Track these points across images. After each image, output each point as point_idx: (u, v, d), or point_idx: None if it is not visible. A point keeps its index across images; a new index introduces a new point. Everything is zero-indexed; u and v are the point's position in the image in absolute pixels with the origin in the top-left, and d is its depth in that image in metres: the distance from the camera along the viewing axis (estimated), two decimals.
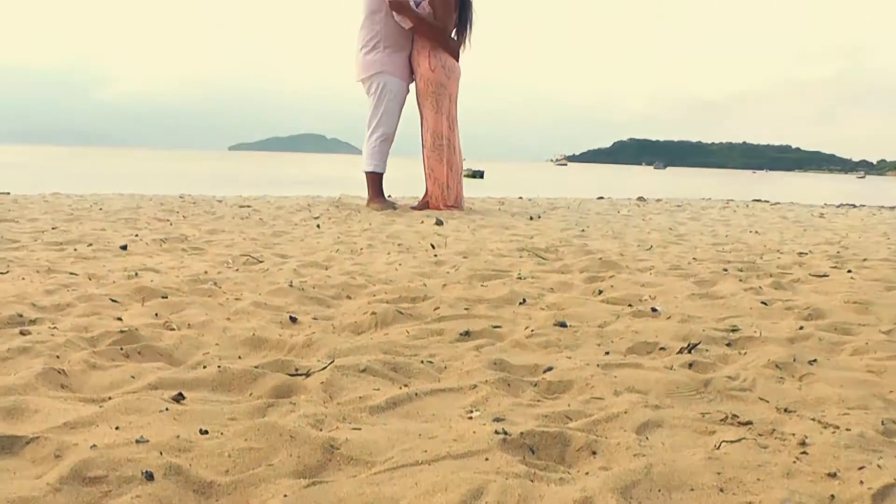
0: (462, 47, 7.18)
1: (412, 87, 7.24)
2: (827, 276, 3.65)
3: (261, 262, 3.73)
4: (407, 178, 10.32)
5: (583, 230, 5.80)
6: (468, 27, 7.14)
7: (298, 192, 15.01)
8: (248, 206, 7.42)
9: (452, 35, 7.14)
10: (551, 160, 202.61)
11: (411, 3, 6.89)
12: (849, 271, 3.80)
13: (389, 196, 8.31)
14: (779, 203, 12.80)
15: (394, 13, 6.89)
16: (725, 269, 3.69)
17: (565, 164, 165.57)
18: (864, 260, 4.32)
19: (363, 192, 7.67)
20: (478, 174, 42.74)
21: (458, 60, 7.18)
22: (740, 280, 3.39)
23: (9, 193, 9.99)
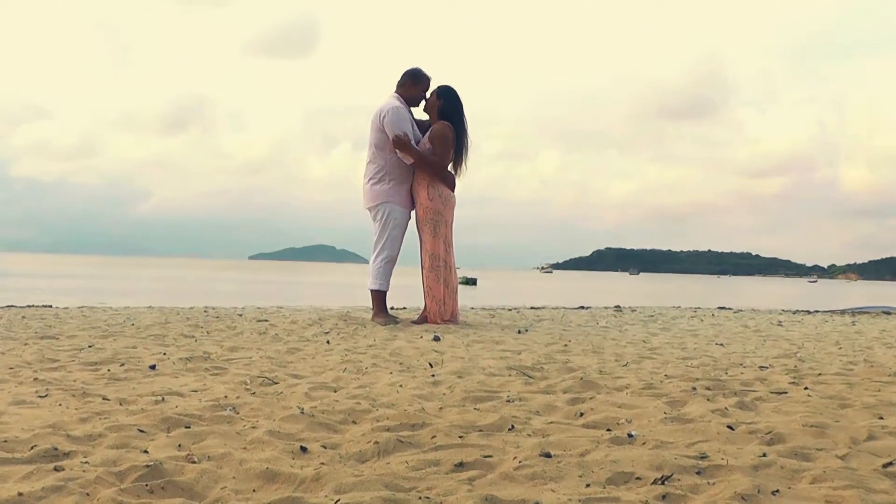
0: (458, 176, 7.29)
1: (413, 213, 7.33)
2: (786, 392, 3.63)
3: (276, 383, 3.71)
4: (407, 287, 10.35)
5: (565, 345, 5.79)
6: (464, 157, 7.26)
7: (312, 300, 15.08)
8: (266, 321, 7.41)
9: (450, 167, 7.25)
10: (538, 268, 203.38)
11: (412, 141, 7.03)
12: (805, 388, 3.78)
13: (391, 308, 8.33)
14: (741, 311, 12.80)
15: (397, 150, 7.03)
16: (694, 388, 3.66)
17: (550, 272, 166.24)
18: (819, 375, 4.30)
19: (368, 302, 7.69)
20: (471, 281, 42.77)
21: (453, 190, 7.28)
22: (708, 399, 3.37)
23: (51, 307, 9.99)
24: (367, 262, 7.54)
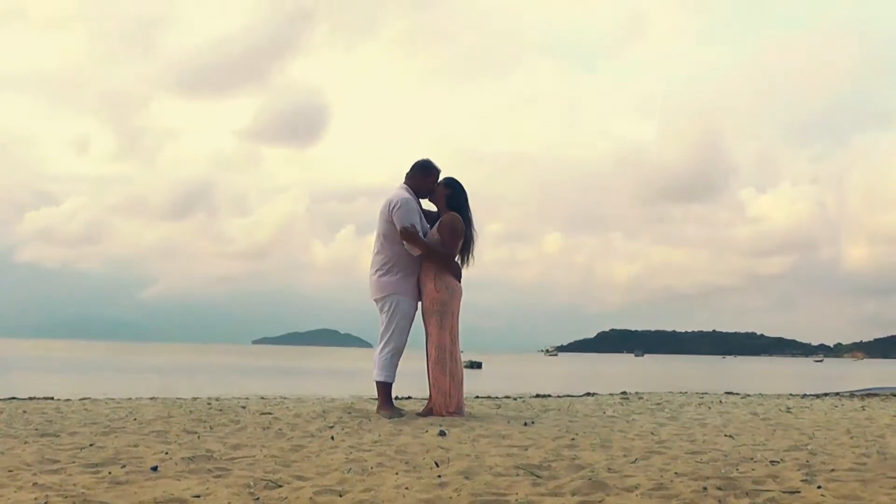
0: (465, 266, 7.31)
1: (419, 304, 7.32)
2: (799, 492, 3.55)
3: (280, 486, 3.64)
4: (412, 374, 10.26)
5: (573, 438, 5.70)
6: (471, 249, 7.29)
7: (316, 387, 14.95)
8: (269, 413, 7.33)
9: (457, 258, 7.27)
10: (543, 351, 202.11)
11: (420, 233, 7.07)
12: (819, 486, 3.70)
13: (396, 398, 8.24)
14: (749, 395, 12.65)
15: (404, 242, 7.06)
16: (705, 488, 3.59)
17: (556, 355, 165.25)
18: (832, 470, 4.22)
19: (373, 390, 7.61)
20: (476, 365, 42.43)
21: (460, 281, 7.29)
22: (719, 501, 3.29)
23: (52, 399, 9.91)
24: (370, 345, 7.53)
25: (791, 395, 13.55)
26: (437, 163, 7.37)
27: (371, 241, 7.40)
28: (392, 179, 7.57)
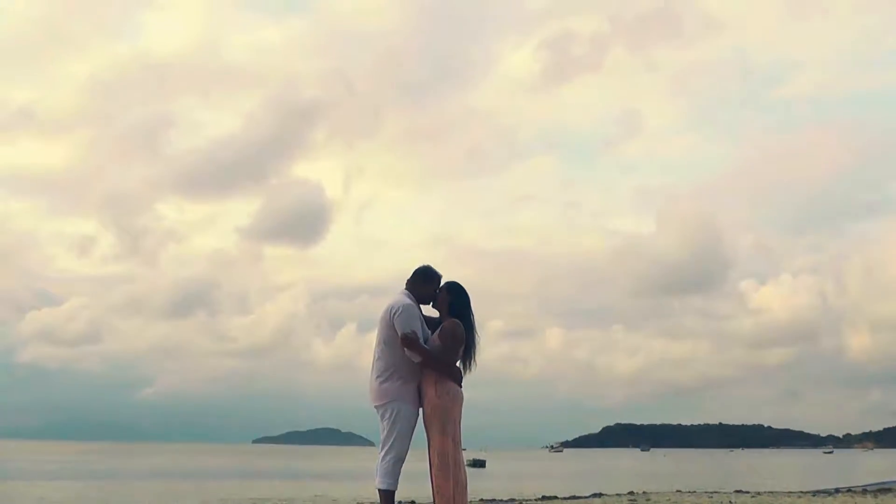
0: (467, 372, 7.25)
1: (420, 410, 7.23)
2: None
3: None
4: (416, 474, 10.08)
5: None
6: (473, 354, 7.25)
7: (319, 487, 14.63)
8: None
9: (459, 363, 7.22)
10: (547, 447, 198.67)
11: (421, 339, 7.05)
12: None
13: (399, 503, 8.07)
14: (759, 494, 12.39)
15: (405, 348, 7.04)
16: None
17: (560, 451, 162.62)
18: None
19: (375, 495, 7.44)
20: (479, 463, 41.68)
21: (461, 386, 7.23)
22: None
23: None
24: (372, 444, 7.42)
25: (802, 492, 13.28)
26: (438, 268, 7.39)
27: (372, 339, 7.36)
28: (393, 277, 7.63)
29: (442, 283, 7.34)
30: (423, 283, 7.30)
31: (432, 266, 7.35)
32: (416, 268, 7.38)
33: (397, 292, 7.33)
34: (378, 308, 7.25)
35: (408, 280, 7.37)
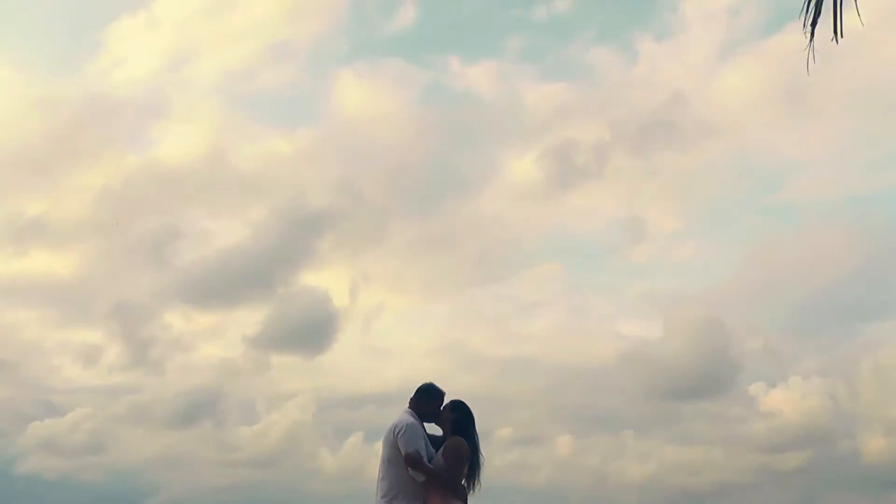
0: (472, 492, 7.08)
1: None
2: None
3: None
4: None
5: None
6: (478, 472, 7.09)
7: None
8: None
9: (464, 482, 7.05)
10: None
11: (424, 458, 6.90)
12: None
13: None
14: None
15: (409, 468, 6.89)
16: None
17: None
18: None
19: None
20: None
21: (465, 503, 7.05)
22: None
23: None
24: None
25: None
26: (446, 376, 7.35)
27: (378, 448, 7.23)
28: (399, 385, 7.54)
29: (445, 400, 7.25)
30: (427, 400, 7.21)
31: (435, 384, 7.29)
32: (420, 386, 7.32)
33: (401, 411, 7.24)
34: (385, 418, 7.16)
35: (411, 399, 7.29)
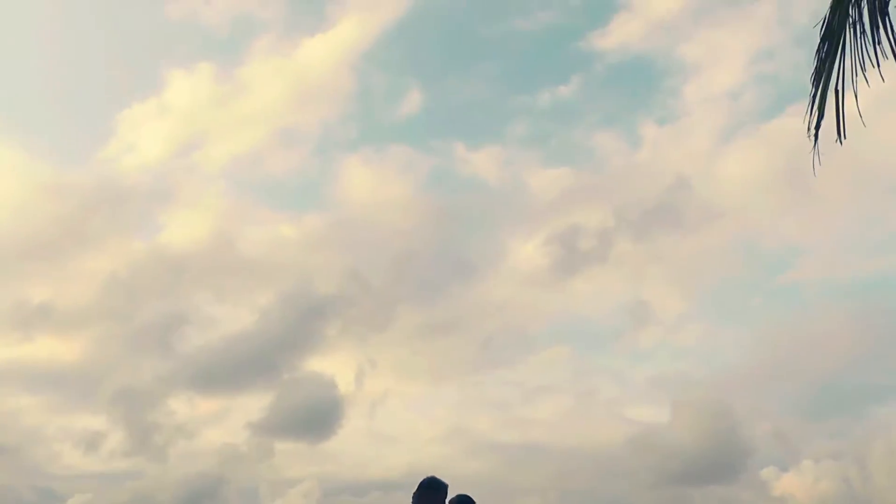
0: None
1: None
2: None
3: None
4: None
5: None
6: None
7: None
8: None
9: None
10: None
11: None
12: None
13: None
14: None
15: None
16: None
17: None
18: None
19: None
20: None
21: None
22: None
23: None
24: None
25: None
26: (453, 463, 7.19)
27: None
28: (405, 472, 7.37)
29: (450, 493, 7.07)
30: (430, 494, 7.03)
31: (437, 477, 7.12)
32: (421, 481, 7.15)
33: None
34: None
35: (414, 493, 7.11)
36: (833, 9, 3.75)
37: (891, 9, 3.64)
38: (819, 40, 3.75)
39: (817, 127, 3.76)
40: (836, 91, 3.70)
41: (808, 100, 3.88)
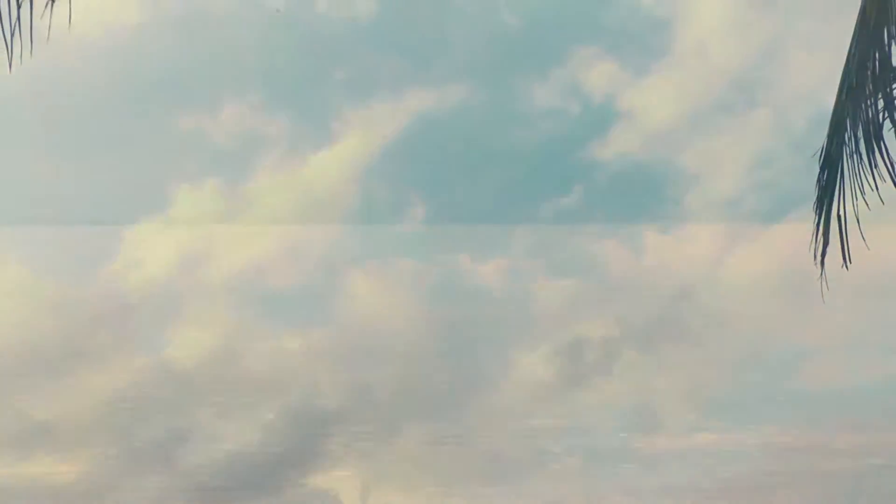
0: None
1: None
2: None
3: None
4: None
5: None
6: None
7: None
8: None
9: None
10: None
11: None
12: None
13: None
14: None
15: None
16: None
17: None
18: None
19: None
20: None
21: None
22: None
23: None
24: None
25: None
26: None
27: None
28: None
29: None
30: None
31: None
32: None
33: None
34: None
35: None
36: (830, 138, 3.90)
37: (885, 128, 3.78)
38: (819, 169, 3.88)
39: (823, 254, 3.85)
40: (839, 217, 3.82)
41: (811, 215, 3.98)
